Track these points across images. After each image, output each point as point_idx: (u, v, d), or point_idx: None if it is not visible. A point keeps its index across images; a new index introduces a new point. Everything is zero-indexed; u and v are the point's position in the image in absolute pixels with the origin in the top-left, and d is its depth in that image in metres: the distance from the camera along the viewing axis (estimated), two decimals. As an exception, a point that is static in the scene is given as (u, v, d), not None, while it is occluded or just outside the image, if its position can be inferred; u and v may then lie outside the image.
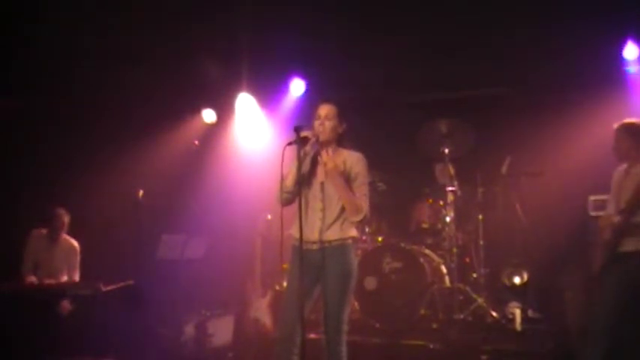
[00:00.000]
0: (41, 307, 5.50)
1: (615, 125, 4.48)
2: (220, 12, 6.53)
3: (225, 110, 7.66)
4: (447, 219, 6.09)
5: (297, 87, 7.40)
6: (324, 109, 3.99)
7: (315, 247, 3.91)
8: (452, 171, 6.09)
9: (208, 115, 7.60)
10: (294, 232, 3.93)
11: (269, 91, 7.49)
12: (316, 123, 3.98)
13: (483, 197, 6.20)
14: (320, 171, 4.00)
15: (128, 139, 7.20)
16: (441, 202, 6.18)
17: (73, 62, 6.96)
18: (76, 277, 6.21)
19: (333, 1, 6.38)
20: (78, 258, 6.27)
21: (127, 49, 6.95)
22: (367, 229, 6.16)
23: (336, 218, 3.93)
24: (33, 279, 5.98)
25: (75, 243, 6.29)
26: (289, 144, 3.87)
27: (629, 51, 6.38)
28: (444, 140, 6.12)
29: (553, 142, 6.44)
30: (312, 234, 3.91)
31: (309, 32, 6.56)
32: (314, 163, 4.03)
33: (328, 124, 3.96)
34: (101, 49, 6.93)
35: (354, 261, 3.97)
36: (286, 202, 4.00)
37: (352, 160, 4.00)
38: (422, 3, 6.31)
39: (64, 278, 6.11)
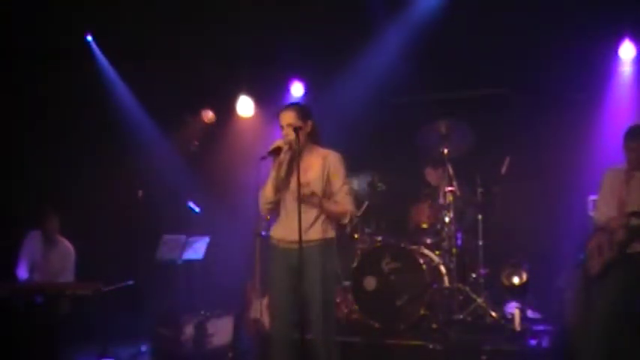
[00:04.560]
0: (41, 307, 5.50)
1: (625, 132, 4.38)
2: (221, 13, 6.54)
3: (225, 111, 7.67)
4: (447, 219, 6.08)
5: (296, 89, 7.40)
6: (283, 118, 4.04)
7: (295, 246, 3.91)
8: (451, 171, 6.09)
9: (208, 116, 7.61)
10: (274, 232, 4.05)
11: (269, 93, 7.50)
12: (283, 133, 4.03)
13: (483, 197, 6.18)
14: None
15: (128, 139, 7.21)
16: (441, 203, 6.18)
17: (73, 62, 6.96)
18: (71, 280, 6.19)
19: (333, 3, 6.39)
20: (73, 261, 6.24)
21: (127, 50, 6.96)
22: (367, 230, 6.16)
23: (316, 218, 3.99)
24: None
25: (71, 247, 6.26)
26: (262, 158, 3.95)
27: (626, 50, 6.38)
28: (443, 140, 6.11)
29: (553, 142, 6.44)
30: (293, 234, 3.92)
31: (308, 34, 6.57)
32: (290, 167, 4.05)
33: (292, 131, 3.98)
34: (101, 49, 6.94)
35: (335, 260, 4.06)
36: (269, 212, 4.14)
37: (331, 159, 4.05)
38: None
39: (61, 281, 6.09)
